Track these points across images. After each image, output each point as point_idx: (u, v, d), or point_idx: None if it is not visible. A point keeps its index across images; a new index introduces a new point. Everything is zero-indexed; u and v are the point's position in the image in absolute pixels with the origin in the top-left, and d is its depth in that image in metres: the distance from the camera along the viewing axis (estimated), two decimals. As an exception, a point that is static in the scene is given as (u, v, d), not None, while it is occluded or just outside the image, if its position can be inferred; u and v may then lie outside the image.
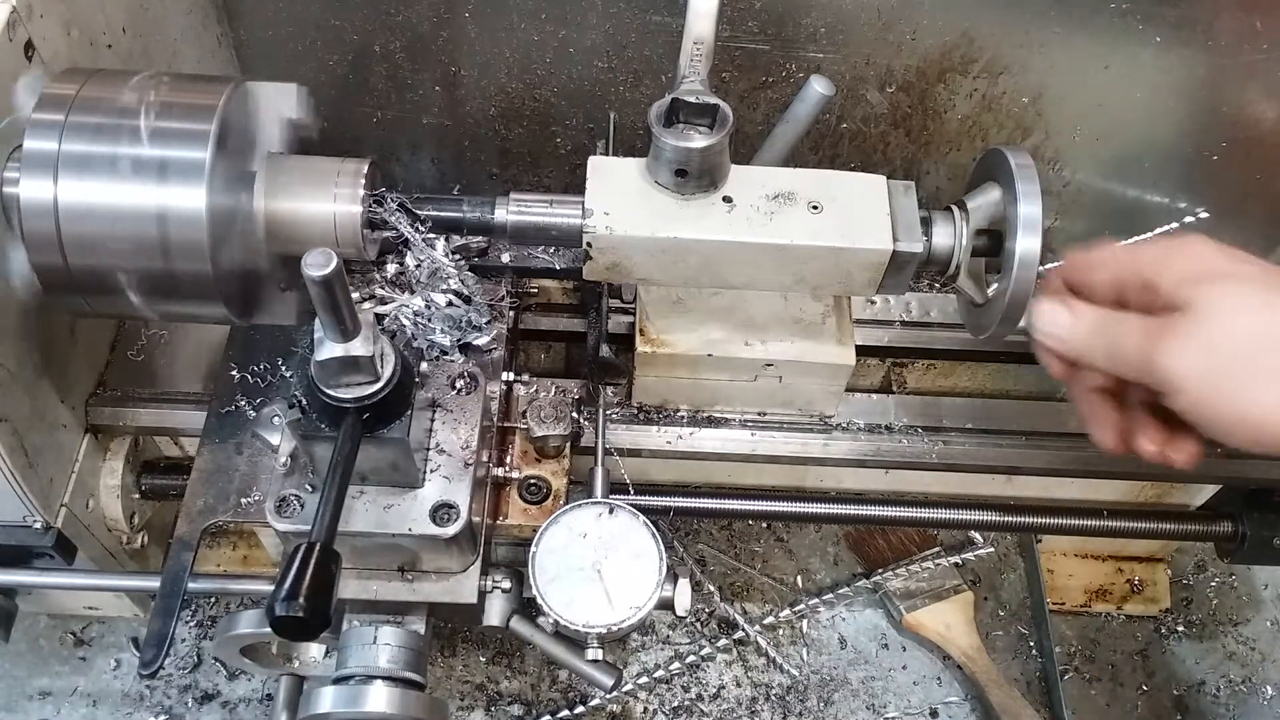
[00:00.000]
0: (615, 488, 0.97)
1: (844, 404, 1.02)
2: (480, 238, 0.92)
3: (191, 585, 0.86)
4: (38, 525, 0.88)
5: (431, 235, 0.86)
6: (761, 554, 1.34)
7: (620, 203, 0.79)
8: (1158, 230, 0.92)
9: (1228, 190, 1.15)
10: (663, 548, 0.85)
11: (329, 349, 0.67)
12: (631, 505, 0.87)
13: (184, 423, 0.98)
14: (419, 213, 0.82)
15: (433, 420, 0.83)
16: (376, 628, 0.84)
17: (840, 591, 1.29)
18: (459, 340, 0.92)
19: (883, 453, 1.02)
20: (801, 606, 1.28)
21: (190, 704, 1.21)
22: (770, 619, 1.28)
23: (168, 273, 0.74)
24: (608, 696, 1.21)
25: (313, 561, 0.63)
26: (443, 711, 0.87)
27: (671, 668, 1.24)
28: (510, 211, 0.81)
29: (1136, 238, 0.77)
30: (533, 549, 0.84)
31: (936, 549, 1.30)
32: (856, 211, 0.80)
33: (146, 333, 1.02)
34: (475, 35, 1.10)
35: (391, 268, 0.91)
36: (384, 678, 0.83)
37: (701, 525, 1.35)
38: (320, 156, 0.81)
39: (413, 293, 0.91)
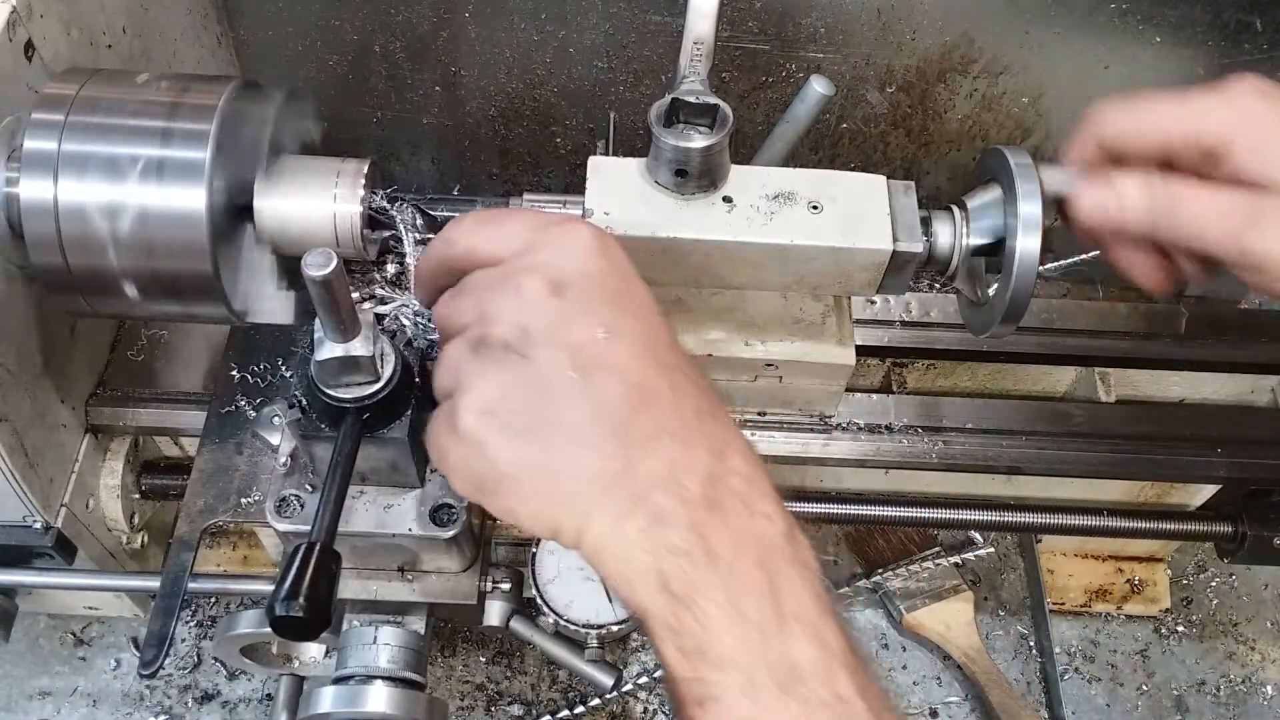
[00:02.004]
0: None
1: (844, 404, 1.02)
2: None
3: (191, 585, 0.86)
4: (38, 525, 0.88)
5: (431, 235, 0.86)
6: (761, 554, 1.34)
7: (620, 203, 0.79)
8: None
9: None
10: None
11: (329, 349, 0.67)
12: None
13: (184, 423, 0.98)
14: (434, 214, 0.82)
15: (433, 420, 0.82)
16: (376, 628, 0.84)
17: (840, 591, 1.29)
18: (459, 340, 0.92)
19: (883, 453, 1.02)
20: (801, 606, 1.28)
21: (190, 704, 1.21)
22: (770, 619, 1.28)
23: (168, 273, 0.74)
24: (608, 696, 1.21)
25: (313, 561, 0.63)
26: (443, 711, 0.87)
27: (671, 668, 1.24)
28: None
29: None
30: (533, 549, 0.84)
31: (936, 549, 1.30)
32: (856, 211, 0.80)
33: (146, 333, 1.02)
34: (475, 35, 1.10)
35: (391, 268, 0.91)
36: (384, 678, 0.83)
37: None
38: (320, 156, 0.81)
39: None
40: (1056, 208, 0.74)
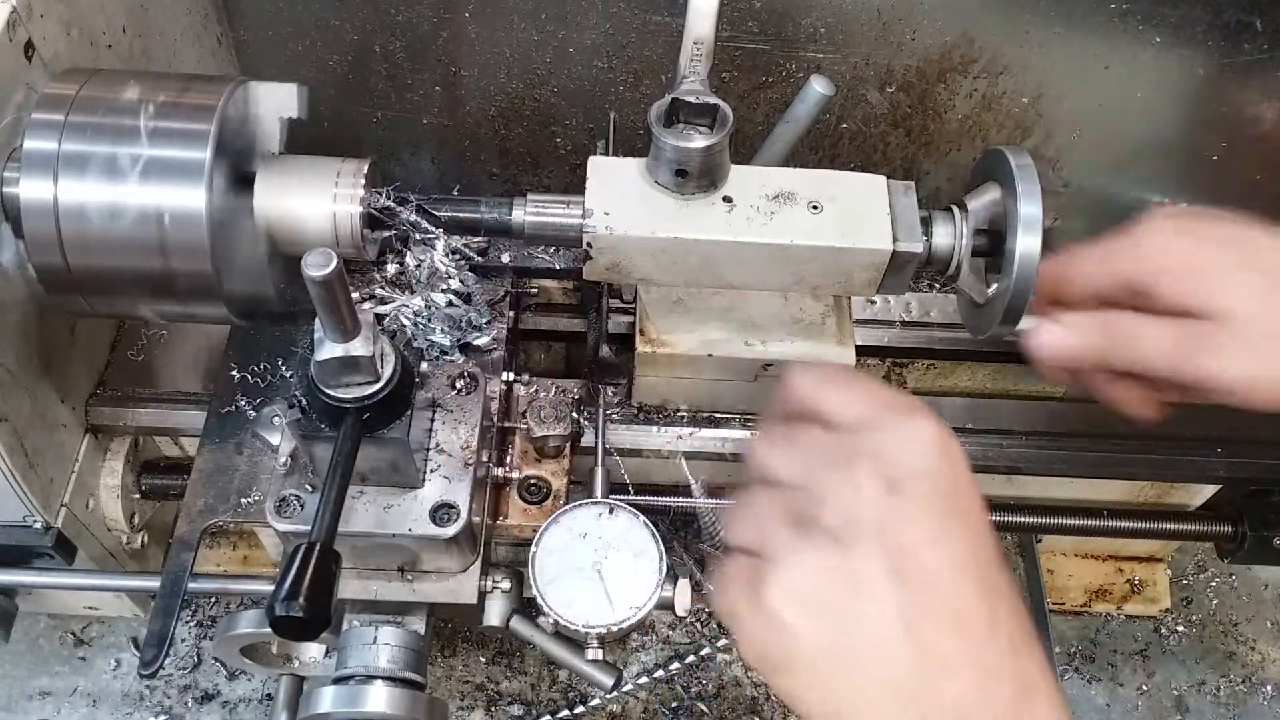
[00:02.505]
0: (615, 488, 0.97)
1: (844, 404, 1.02)
2: (480, 238, 0.92)
3: (191, 585, 0.86)
4: (38, 525, 0.88)
5: (431, 235, 0.86)
6: (761, 554, 1.34)
7: (620, 203, 0.79)
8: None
9: (1228, 190, 1.15)
10: (663, 548, 0.85)
11: (329, 349, 0.67)
12: (631, 505, 0.87)
13: (184, 423, 0.98)
14: (437, 214, 0.82)
15: (433, 420, 0.83)
16: (376, 628, 0.84)
17: (840, 591, 1.29)
18: (459, 340, 0.92)
19: (883, 453, 1.02)
20: (801, 606, 1.28)
21: (190, 704, 1.21)
22: (770, 619, 1.28)
23: (168, 273, 0.74)
24: (608, 696, 1.21)
25: (313, 561, 0.63)
26: (443, 711, 0.87)
27: (671, 668, 1.24)
28: (528, 212, 0.81)
29: (1099, 237, 0.76)
30: (533, 549, 0.84)
31: (936, 549, 1.29)
32: (856, 211, 0.80)
33: (146, 333, 1.02)
34: (475, 35, 1.10)
35: (391, 268, 0.92)
36: (384, 678, 0.83)
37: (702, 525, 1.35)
38: (320, 156, 0.81)
39: (413, 293, 0.91)
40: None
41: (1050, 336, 0.75)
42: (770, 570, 0.55)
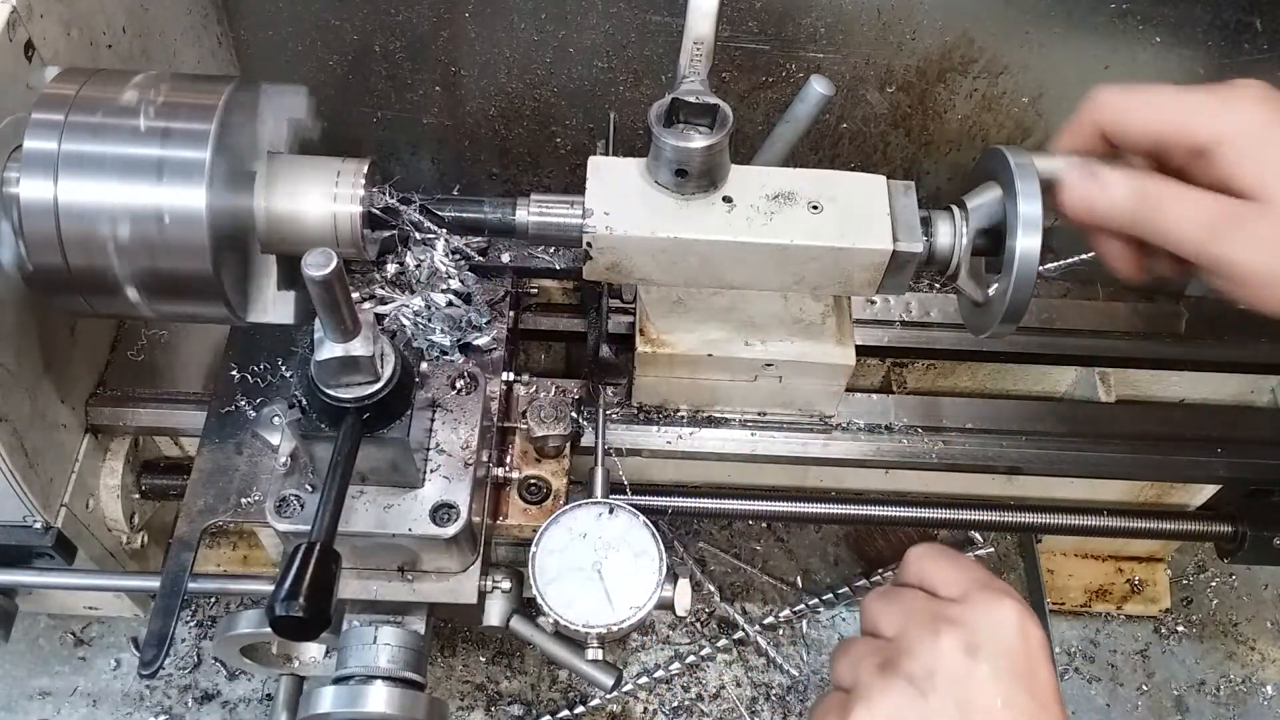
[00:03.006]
0: (615, 488, 0.97)
1: (844, 404, 1.02)
2: (480, 238, 0.92)
3: (191, 585, 0.86)
4: (38, 525, 0.88)
5: (431, 235, 0.86)
6: (761, 554, 1.34)
7: (620, 203, 0.79)
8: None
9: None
10: (663, 548, 0.85)
11: (329, 349, 0.67)
12: (631, 505, 0.87)
13: (184, 423, 0.98)
14: (441, 214, 0.82)
15: (433, 420, 0.83)
16: (376, 628, 0.84)
17: (840, 591, 1.29)
18: (459, 340, 0.92)
19: (883, 453, 1.02)
20: (801, 606, 1.28)
21: (190, 704, 1.21)
22: (770, 619, 1.28)
23: (168, 273, 0.74)
24: (608, 696, 1.21)
25: (313, 561, 0.63)
26: (443, 711, 0.87)
27: (671, 668, 1.24)
28: (531, 212, 0.80)
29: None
30: (533, 549, 0.84)
31: (936, 549, 1.30)
32: (856, 211, 0.80)
33: (146, 333, 1.02)
34: (475, 35, 1.10)
35: (391, 268, 0.92)
36: (384, 678, 0.83)
37: (701, 525, 1.35)
38: (320, 156, 0.81)
39: (413, 293, 0.91)
40: (1044, 193, 0.75)
41: (1085, 188, 0.72)
42: (856, 704, 0.62)
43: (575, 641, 0.87)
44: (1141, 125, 0.72)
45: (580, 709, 1.21)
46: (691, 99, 0.76)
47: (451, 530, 0.79)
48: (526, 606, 0.90)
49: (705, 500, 1.05)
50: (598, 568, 0.84)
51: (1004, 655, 0.62)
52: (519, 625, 0.90)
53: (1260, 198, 0.65)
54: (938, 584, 0.68)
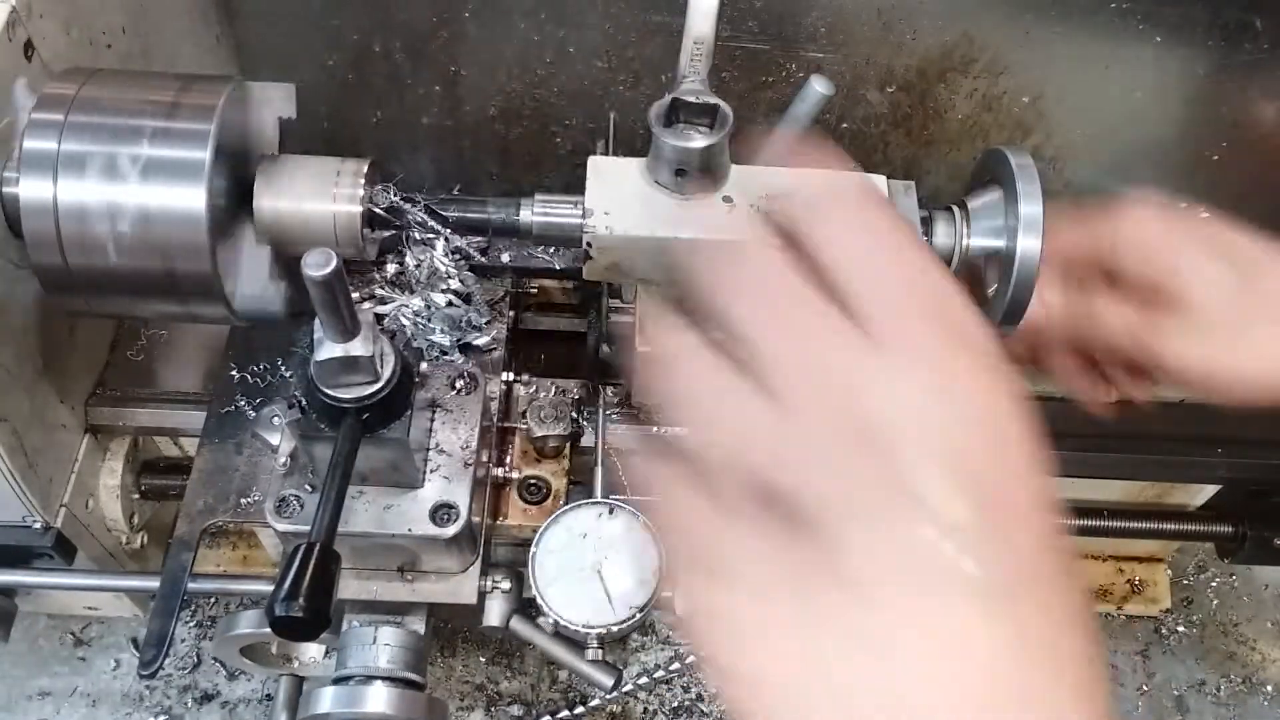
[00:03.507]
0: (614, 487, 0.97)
1: (844, 404, 1.02)
2: (480, 238, 0.92)
3: (191, 585, 0.86)
4: (37, 525, 0.88)
5: (431, 235, 0.86)
6: (761, 554, 1.34)
7: (620, 203, 0.79)
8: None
9: (1228, 190, 1.15)
10: (663, 548, 0.85)
11: (329, 349, 0.67)
12: (631, 505, 0.87)
13: (184, 423, 0.98)
14: (445, 214, 0.82)
15: (433, 420, 0.83)
16: (376, 628, 0.84)
17: (840, 591, 1.29)
18: (459, 340, 0.92)
19: (883, 453, 1.02)
20: (801, 606, 1.28)
21: (190, 704, 1.21)
22: (770, 619, 1.28)
23: (168, 273, 0.74)
24: (608, 696, 1.21)
25: (313, 561, 0.63)
26: (443, 711, 0.87)
27: (671, 668, 1.24)
28: (535, 213, 0.80)
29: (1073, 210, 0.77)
30: (533, 549, 0.84)
31: (936, 549, 1.29)
32: (856, 211, 0.80)
33: (146, 333, 1.02)
34: (475, 35, 1.10)
35: (391, 268, 0.91)
36: (384, 678, 0.83)
37: (701, 525, 1.35)
38: (320, 156, 0.81)
39: (413, 293, 0.91)
40: None
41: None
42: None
43: (575, 642, 0.87)
44: (1049, 252, 0.75)
45: (580, 709, 1.21)
46: (691, 99, 0.76)
47: (451, 530, 0.79)
48: (526, 606, 0.90)
49: (705, 500, 1.05)
50: (598, 568, 0.84)
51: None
52: (519, 625, 0.90)
53: (1183, 301, 0.70)
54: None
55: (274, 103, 0.82)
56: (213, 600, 1.26)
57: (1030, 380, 1.17)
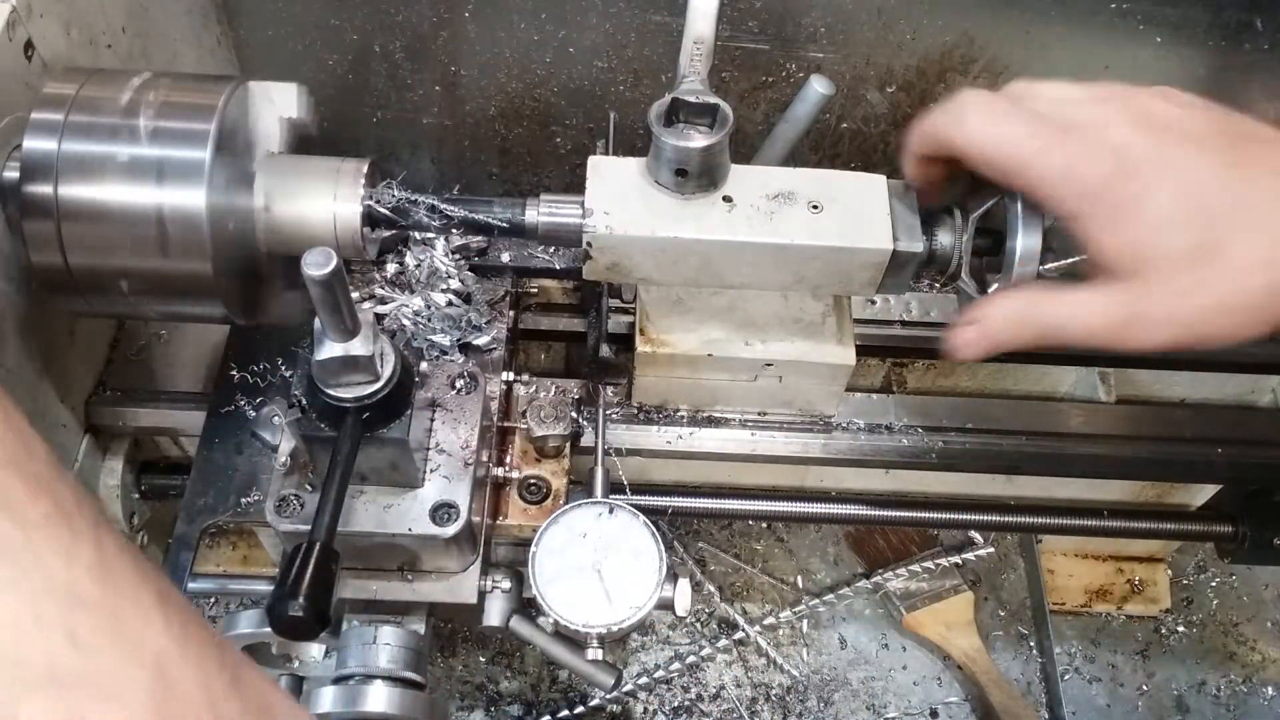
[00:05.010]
0: (615, 488, 0.97)
1: (844, 404, 1.02)
2: (480, 238, 0.92)
3: (191, 585, 0.86)
4: (38, 525, 0.88)
5: (431, 235, 0.86)
6: (761, 554, 1.34)
7: (620, 202, 0.79)
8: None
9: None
10: (663, 548, 0.85)
11: (329, 349, 0.67)
12: (631, 505, 0.87)
13: (184, 423, 0.98)
14: (450, 213, 0.82)
15: (433, 420, 0.83)
16: (376, 627, 0.84)
17: (840, 591, 1.29)
18: (459, 340, 0.92)
19: (883, 453, 1.02)
20: (802, 606, 1.28)
21: (190, 704, 1.21)
22: (770, 619, 1.28)
23: (168, 273, 0.74)
24: (608, 696, 1.21)
25: (313, 561, 0.63)
26: (443, 711, 0.87)
27: (671, 668, 1.24)
28: (541, 213, 0.80)
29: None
30: (533, 549, 0.84)
31: (936, 549, 1.30)
32: (856, 211, 0.80)
33: (146, 333, 1.02)
34: (475, 35, 1.10)
35: (391, 268, 0.91)
36: (384, 678, 0.83)
37: (701, 525, 1.35)
38: (320, 156, 0.81)
39: (413, 292, 0.91)
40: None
41: (965, 338, 0.75)
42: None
43: (575, 641, 0.87)
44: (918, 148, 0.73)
45: (580, 709, 1.21)
46: (691, 99, 0.76)
47: (451, 530, 0.79)
48: (526, 606, 0.90)
49: (705, 500, 1.05)
50: (598, 568, 0.84)
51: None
52: (519, 625, 0.90)
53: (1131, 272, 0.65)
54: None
55: (281, 103, 0.82)
56: (213, 600, 1.26)
57: (1029, 381, 1.18)
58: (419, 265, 0.90)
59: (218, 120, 0.73)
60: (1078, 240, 0.68)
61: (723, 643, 1.26)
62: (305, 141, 0.85)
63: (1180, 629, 1.32)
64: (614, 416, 1.01)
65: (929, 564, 1.28)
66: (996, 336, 0.73)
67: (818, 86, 0.84)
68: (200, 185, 0.72)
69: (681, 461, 1.03)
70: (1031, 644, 1.29)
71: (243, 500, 0.89)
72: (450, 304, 0.92)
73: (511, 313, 1.00)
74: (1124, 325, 0.66)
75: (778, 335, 0.94)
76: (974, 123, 0.69)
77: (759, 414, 1.02)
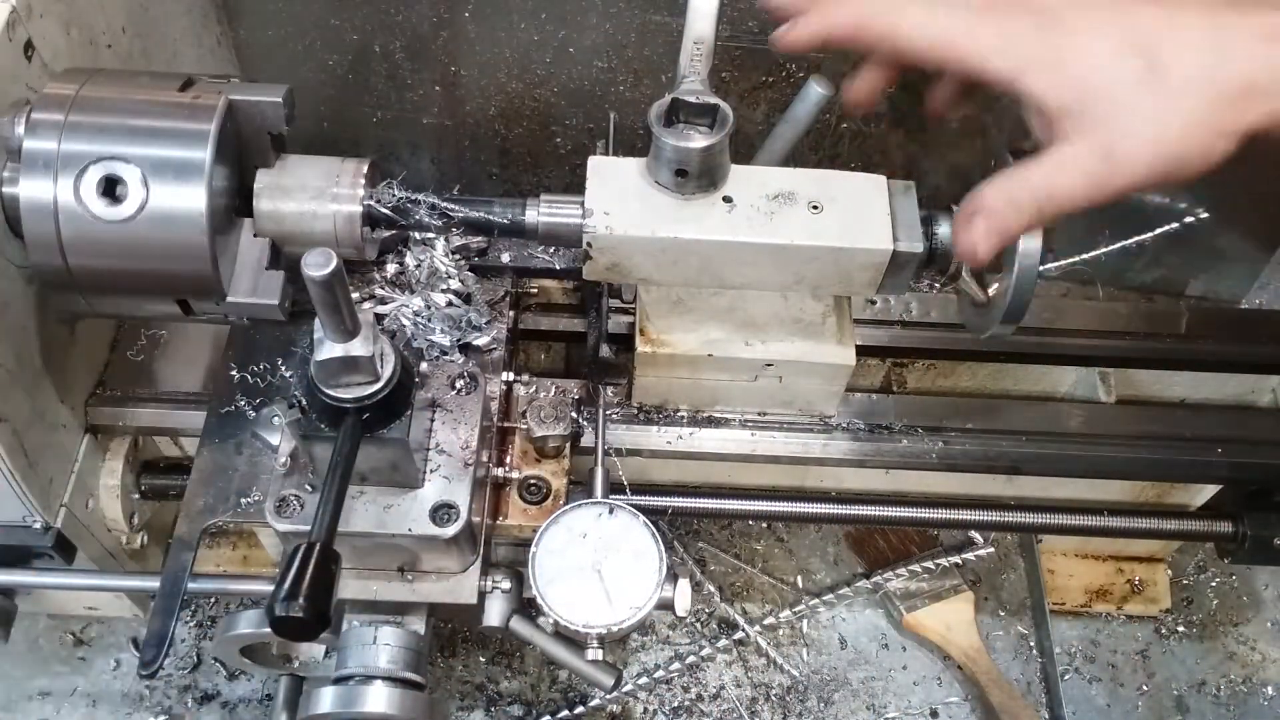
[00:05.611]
0: (615, 488, 0.97)
1: (844, 404, 1.02)
2: (480, 238, 0.92)
3: (191, 585, 0.86)
4: (37, 525, 0.88)
5: (431, 235, 0.86)
6: (761, 554, 1.34)
7: (620, 203, 0.79)
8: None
9: (1228, 190, 1.15)
10: (663, 548, 0.85)
11: (329, 349, 0.67)
12: (631, 505, 0.87)
13: (184, 423, 0.98)
14: (452, 213, 0.82)
15: (433, 420, 0.83)
16: (376, 628, 0.84)
17: (840, 591, 1.29)
18: (459, 340, 0.92)
19: (883, 453, 1.02)
20: (801, 606, 1.28)
21: (190, 704, 1.21)
22: (770, 619, 1.28)
23: (168, 273, 0.74)
24: (608, 696, 1.21)
25: (313, 561, 0.63)
26: (443, 711, 0.87)
27: (671, 668, 1.24)
28: (541, 213, 0.80)
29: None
30: (533, 549, 0.84)
31: (936, 549, 1.30)
32: (856, 211, 0.80)
33: (146, 333, 1.02)
34: (475, 35, 1.10)
35: (391, 268, 0.92)
36: (384, 678, 0.83)
37: (701, 525, 1.35)
38: (320, 156, 0.81)
39: (413, 293, 0.91)
40: None
41: (977, 233, 0.72)
42: None
43: (575, 641, 0.87)
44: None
45: (580, 709, 1.21)
46: (691, 99, 0.76)
47: (451, 530, 0.79)
48: (526, 606, 0.90)
49: (705, 500, 1.05)
50: (598, 568, 0.84)
51: None
52: (519, 625, 0.90)
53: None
54: None
55: (275, 103, 0.82)
56: (213, 600, 1.26)
57: (1029, 381, 1.17)
58: (419, 265, 0.90)
59: (218, 120, 0.73)
60: (1030, 111, 0.69)
61: (723, 643, 1.26)
62: (305, 141, 0.84)
63: (1180, 629, 1.32)
64: (614, 417, 1.01)
65: (929, 564, 1.28)
66: (1004, 222, 0.71)
67: (818, 87, 0.84)
68: (200, 185, 0.72)
69: (681, 461, 1.03)
70: (1031, 644, 1.29)
71: (243, 500, 0.88)
72: (450, 304, 0.92)
73: (511, 313, 1.00)
74: (1104, 171, 0.67)
75: (778, 335, 0.94)
76: (911, 20, 0.71)
77: (759, 414, 1.02)
